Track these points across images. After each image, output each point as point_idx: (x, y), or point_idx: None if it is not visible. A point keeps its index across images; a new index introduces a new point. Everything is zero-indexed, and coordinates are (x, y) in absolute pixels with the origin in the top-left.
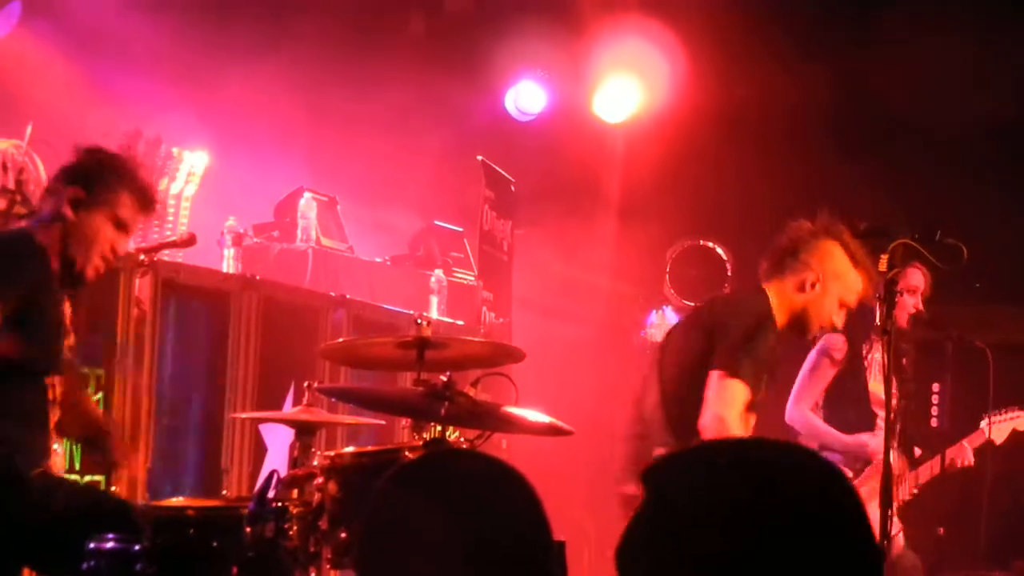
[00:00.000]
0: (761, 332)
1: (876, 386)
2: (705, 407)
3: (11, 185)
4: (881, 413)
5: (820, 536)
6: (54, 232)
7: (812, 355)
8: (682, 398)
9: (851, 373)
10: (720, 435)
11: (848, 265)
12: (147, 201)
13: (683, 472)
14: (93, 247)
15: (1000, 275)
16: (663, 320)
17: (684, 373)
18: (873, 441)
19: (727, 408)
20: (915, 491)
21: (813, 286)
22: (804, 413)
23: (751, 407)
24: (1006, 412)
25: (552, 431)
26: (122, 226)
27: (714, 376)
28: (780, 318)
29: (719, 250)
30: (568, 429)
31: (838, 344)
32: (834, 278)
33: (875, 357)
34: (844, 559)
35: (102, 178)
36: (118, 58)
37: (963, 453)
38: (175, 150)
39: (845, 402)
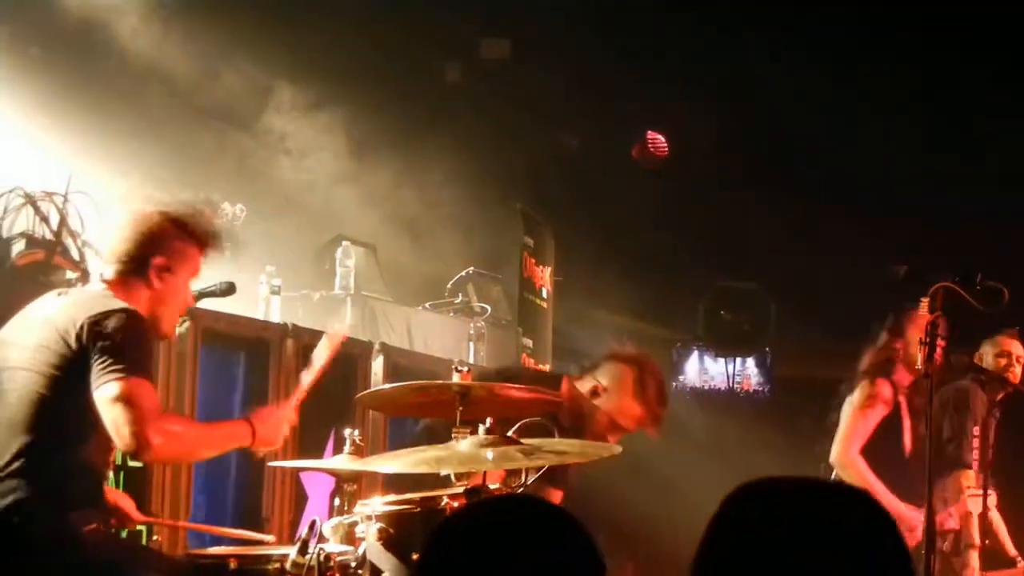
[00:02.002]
0: None
1: None
2: None
3: (51, 236)
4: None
5: None
6: (140, 299)
7: (857, 397)
8: None
9: (892, 420)
10: None
11: (630, 391)
12: (214, 249)
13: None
14: (175, 308)
15: None
16: (700, 367)
17: None
18: (916, 519)
19: None
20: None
21: (593, 396)
22: (856, 459)
23: None
24: None
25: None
26: (194, 278)
27: None
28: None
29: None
30: (615, 448)
31: (886, 387)
32: (614, 398)
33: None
34: None
35: (181, 241)
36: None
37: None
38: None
39: (885, 449)
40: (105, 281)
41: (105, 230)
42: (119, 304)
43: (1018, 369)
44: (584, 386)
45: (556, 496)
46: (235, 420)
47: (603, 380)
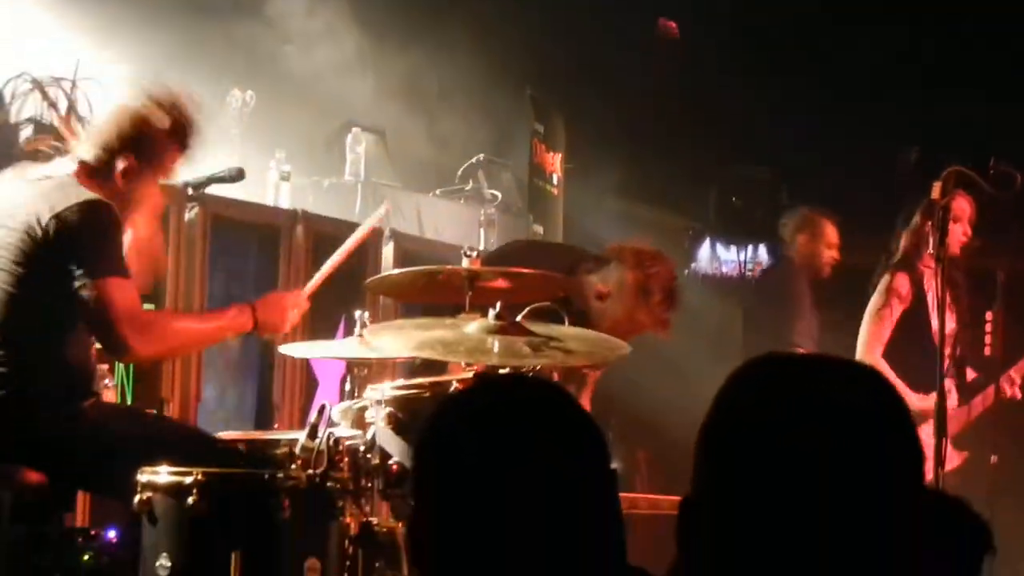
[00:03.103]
0: None
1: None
2: None
3: (59, 122)
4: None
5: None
6: (102, 188)
7: (875, 298)
8: None
9: (914, 312)
10: None
11: (634, 297)
12: (190, 142)
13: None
14: (138, 209)
15: None
16: (712, 254)
17: None
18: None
19: None
20: (970, 422)
21: (597, 299)
22: (879, 363)
23: None
24: None
25: (606, 354)
26: (165, 175)
27: None
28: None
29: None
30: (623, 347)
31: (903, 281)
32: (619, 302)
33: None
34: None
35: (153, 143)
36: None
37: (1011, 382)
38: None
39: (909, 344)
40: (78, 167)
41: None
42: (85, 195)
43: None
44: (590, 284)
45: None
46: (233, 307)
47: (607, 283)
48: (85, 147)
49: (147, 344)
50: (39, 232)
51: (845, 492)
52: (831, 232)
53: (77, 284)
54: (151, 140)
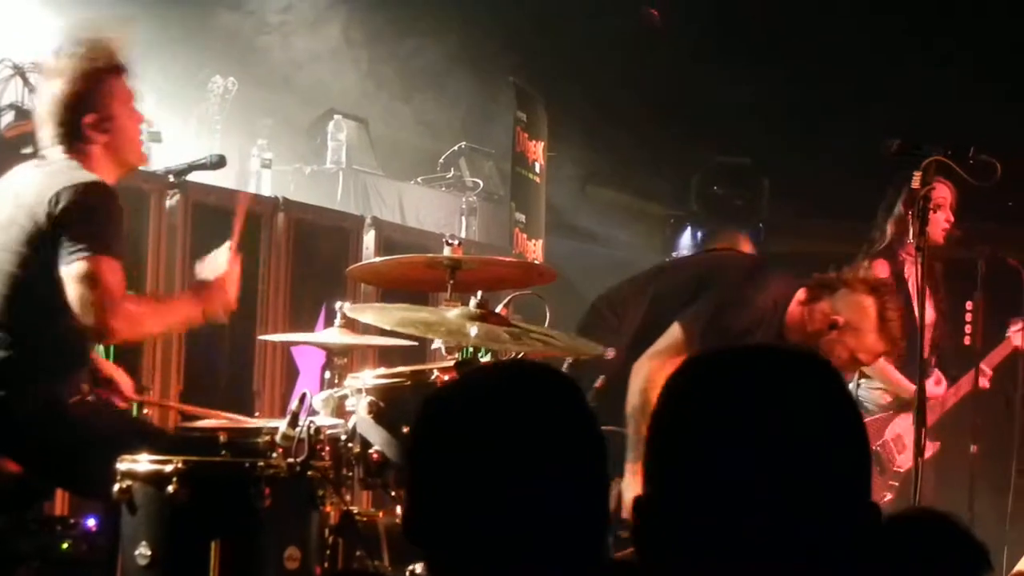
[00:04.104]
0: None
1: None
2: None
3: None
4: None
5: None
6: (98, 157)
7: None
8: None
9: None
10: (636, 380)
11: (874, 326)
12: (125, 65)
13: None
14: (128, 140)
15: None
16: (693, 242)
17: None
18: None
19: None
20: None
21: (831, 329)
22: None
23: None
24: None
25: (583, 351)
26: (130, 100)
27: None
28: (792, 326)
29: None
30: (600, 349)
31: (883, 269)
32: (855, 332)
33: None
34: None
35: (98, 88)
36: None
37: (983, 374)
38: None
39: None
40: (67, 153)
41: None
42: (87, 177)
43: None
44: (815, 312)
45: None
46: (186, 294)
47: (841, 312)
48: (50, 131)
49: (126, 327)
50: (43, 212)
51: (788, 482)
52: None
53: (68, 259)
54: (94, 87)
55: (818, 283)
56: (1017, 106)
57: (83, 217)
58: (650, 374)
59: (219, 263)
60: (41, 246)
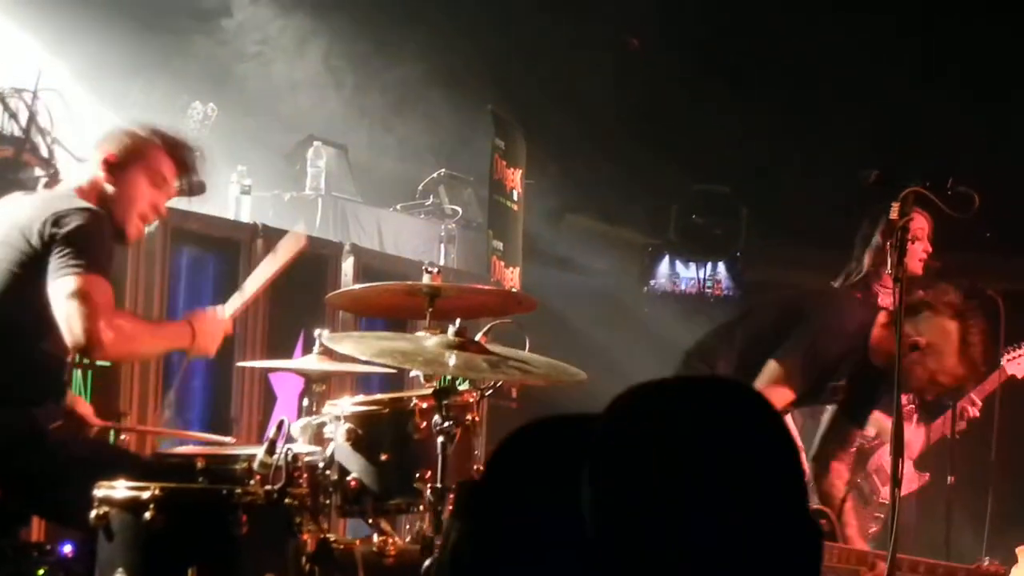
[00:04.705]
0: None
1: None
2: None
3: (20, 133)
4: None
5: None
6: (92, 198)
7: None
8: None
9: None
10: None
11: (955, 349)
12: (181, 152)
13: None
14: (132, 207)
15: (1011, 223)
16: (671, 271)
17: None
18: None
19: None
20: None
21: (912, 350)
22: None
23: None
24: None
25: (562, 378)
26: (159, 182)
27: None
28: (875, 348)
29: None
30: (580, 374)
31: None
32: (937, 355)
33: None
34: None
35: (132, 137)
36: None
37: (972, 403)
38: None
39: None
40: (72, 187)
41: (76, 128)
42: (82, 203)
43: None
44: (904, 335)
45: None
46: (179, 322)
47: (923, 334)
48: (78, 173)
49: (116, 343)
50: (36, 233)
51: (719, 512)
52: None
53: (59, 274)
54: (135, 144)
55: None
56: (995, 135)
57: (76, 238)
58: None
59: (244, 298)
60: (31, 268)
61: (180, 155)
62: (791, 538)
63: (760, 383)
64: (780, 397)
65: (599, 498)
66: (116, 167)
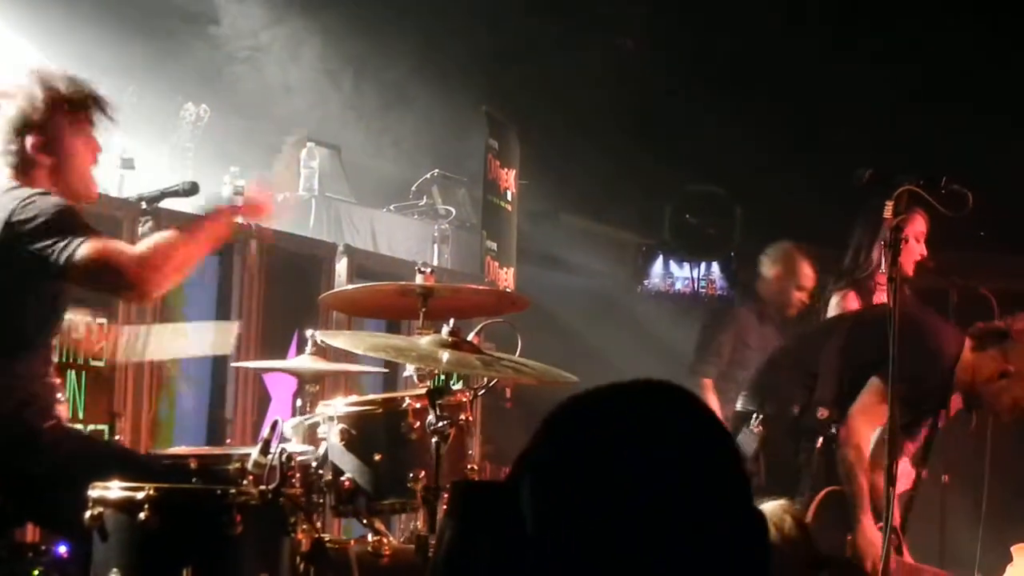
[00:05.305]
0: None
1: None
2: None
3: None
4: None
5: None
6: (43, 180)
7: (826, 315)
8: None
9: None
10: (848, 439)
11: None
12: (88, 98)
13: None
14: (82, 170)
15: (1004, 222)
16: (665, 271)
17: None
18: None
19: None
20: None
21: (1001, 377)
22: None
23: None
24: None
25: (555, 379)
26: (83, 130)
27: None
28: (962, 373)
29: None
30: (572, 378)
31: (853, 300)
32: (1020, 379)
33: None
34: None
35: (45, 111)
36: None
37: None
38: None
39: None
40: (13, 177)
41: None
42: (27, 191)
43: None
44: (986, 362)
45: None
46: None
47: (1012, 361)
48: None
49: (156, 276)
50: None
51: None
52: (806, 274)
53: (63, 255)
54: (43, 110)
55: (985, 332)
56: (987, 137)
57: (44, 221)
58: (859, 428)
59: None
60: (9, 272)
61: (88, 100)
62: (734, 534)
63: (863, 400)
64: (879, 413)
65: (538, 511)
66: (46, 143)
